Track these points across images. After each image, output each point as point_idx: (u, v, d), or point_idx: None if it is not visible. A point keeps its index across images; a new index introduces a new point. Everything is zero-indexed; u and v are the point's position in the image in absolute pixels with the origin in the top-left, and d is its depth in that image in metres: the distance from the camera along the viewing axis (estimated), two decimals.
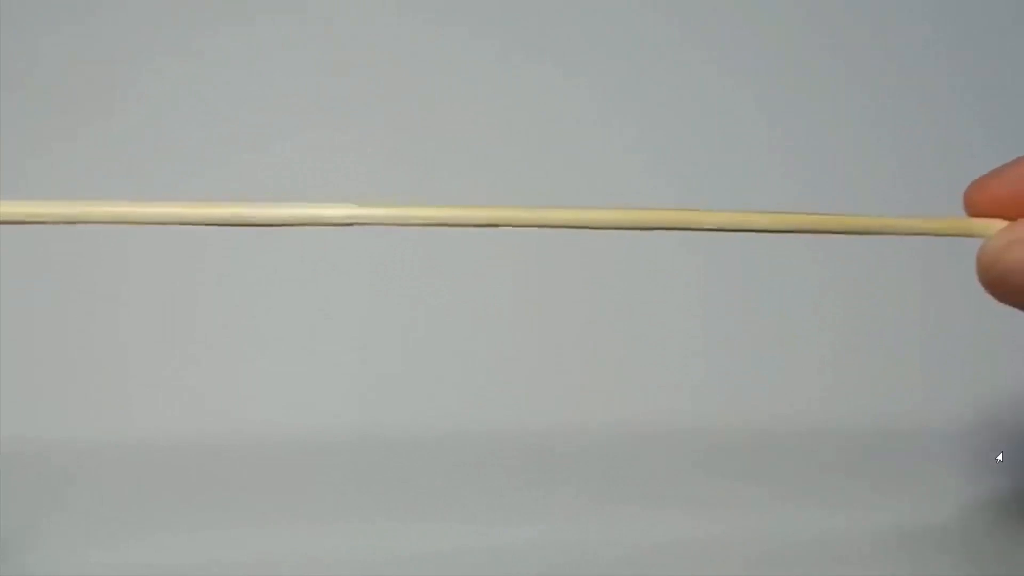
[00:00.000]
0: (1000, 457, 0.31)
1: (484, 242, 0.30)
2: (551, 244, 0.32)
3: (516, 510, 0.29)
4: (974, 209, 0.22)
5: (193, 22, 0.35)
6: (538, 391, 0.30)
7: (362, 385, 0.30)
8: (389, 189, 0.33)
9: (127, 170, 0.32)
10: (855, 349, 0.32)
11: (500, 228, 0.22)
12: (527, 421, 0.30)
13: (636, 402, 0.31)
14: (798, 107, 0.35)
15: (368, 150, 0.33)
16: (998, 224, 0.22)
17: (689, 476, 0.30)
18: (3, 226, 0.20)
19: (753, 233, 0.23)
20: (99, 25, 0.34)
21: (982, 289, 0.23)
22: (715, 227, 0.23)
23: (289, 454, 0.29)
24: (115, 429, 0.29)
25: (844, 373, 0.31)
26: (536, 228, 0.23)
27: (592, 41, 0.36)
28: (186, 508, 0.28)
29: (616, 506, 0.29)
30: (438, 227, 0.22)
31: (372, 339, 0.31)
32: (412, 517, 0.28)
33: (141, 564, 0.27)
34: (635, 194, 0.33)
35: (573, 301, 0.32)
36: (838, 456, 0.30)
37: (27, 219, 0.20)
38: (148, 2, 0.35)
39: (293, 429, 0.29)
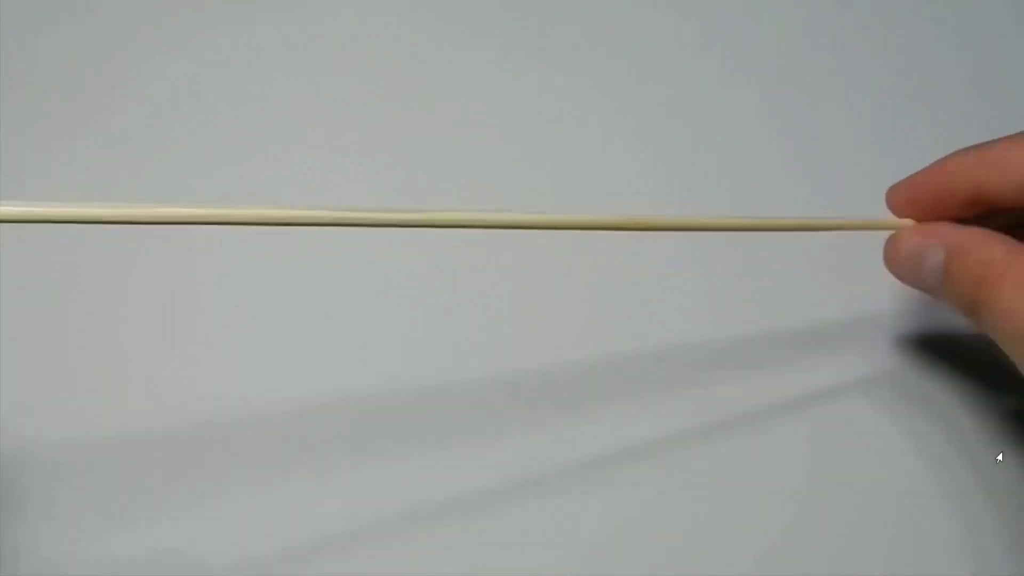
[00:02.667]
0: (1000, 457, 0.31)
1: (483, 237, 0.30)
2: (552, 241, 0.32)
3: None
4: (892, 207, 0.28)
5: (193, 22, 0.35)
6: (542, 380, 0.30)
7: (362, 384, 0.30)
8: (389, 189, 0.33)
9: (127, 170, 0.32)
10: (851, 345, 0.32)
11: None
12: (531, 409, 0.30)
13: (636, 403, 0.31)
14: (799, 107, 0.35)
15: (368, 150, 0.33)
16: (907, 223, 0.27)
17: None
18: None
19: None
20: (99, 25, 0.34)
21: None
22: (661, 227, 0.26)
23: (289, 447, 0.29)
24: (114, 428, 0.29)
25: (840, 370, 0.32)
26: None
27: (592, 41, 0.36)
28: (182, 502, 0.28)
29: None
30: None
31: (372, 337, 0.31)
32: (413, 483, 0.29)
33: (135, 557, 0.27)
34: (635, 194, 0.34)
35: (575, 294, 0.32)
36: (831, 450, 0.31)
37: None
38: (148, 2, 0.35)
39: (293, 417, 0.29)
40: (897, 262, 0.27)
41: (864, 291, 0.32)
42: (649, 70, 0.36)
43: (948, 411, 0.31)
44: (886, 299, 0.32)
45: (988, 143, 0.26)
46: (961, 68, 0.37)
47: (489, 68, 0.35)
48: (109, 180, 0.32)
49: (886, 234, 0.28)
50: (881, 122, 0.35)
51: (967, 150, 0.26)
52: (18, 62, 0.33)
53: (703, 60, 0.36)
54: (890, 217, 0.28)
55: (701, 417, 0.30)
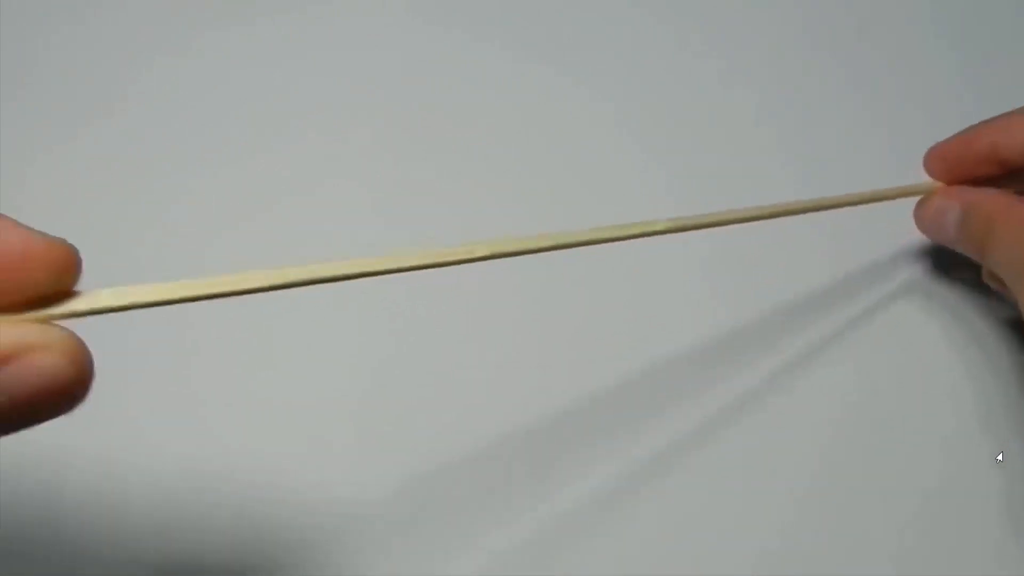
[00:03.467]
0: (1000, 457, 0.31)
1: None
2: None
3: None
4: (926, 167, 0.31)
5: (193, 22, 0.35)
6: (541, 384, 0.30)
7: (361, 384, 0.30)
8: (389, 190, 0.33)
9: (127, 170, 0.32)
10: (850, 342, 0.32)
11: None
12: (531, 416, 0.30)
13: (637, 411, 0.31)
14: (799, 107, 0.35)
15: (368, 151, 0.33)
16: (937, 185, 0.31)
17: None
18: None
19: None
20: (99, 25, 0.34)
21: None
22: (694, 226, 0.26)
23: (289, 445, 0.29)
24: (112, 431, 0.29)
25: (840, 368, 0.32)
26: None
27: (592, 41, 0.36)
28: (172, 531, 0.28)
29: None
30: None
31: (372, 337, 0.31)
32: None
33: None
34: (635, 194, 0.34)
35: (579, 292, 0.32)
36: (837, 453, 0.31)
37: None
38: (148, 2, 0.35)
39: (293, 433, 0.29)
40: (926, 220, 0.31)
41: (854, 281, 0.33)
42: (649, 70, 0.36)
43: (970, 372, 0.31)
44: (877, 287, 0.33)
45: (1005, 112, 0.30)
46: (961, 68, 0.37)
47: (489, 68, 0.35)
48: (109, 180, 0.32)
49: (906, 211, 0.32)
50: (881, 122, 0.35)
51: (987, 119, 0.30)
52: (18, 62, 0.33)
53: (703, 60, 0.36)
54: (924, 181, 0.31)
55: (716, 407, 0.31)
